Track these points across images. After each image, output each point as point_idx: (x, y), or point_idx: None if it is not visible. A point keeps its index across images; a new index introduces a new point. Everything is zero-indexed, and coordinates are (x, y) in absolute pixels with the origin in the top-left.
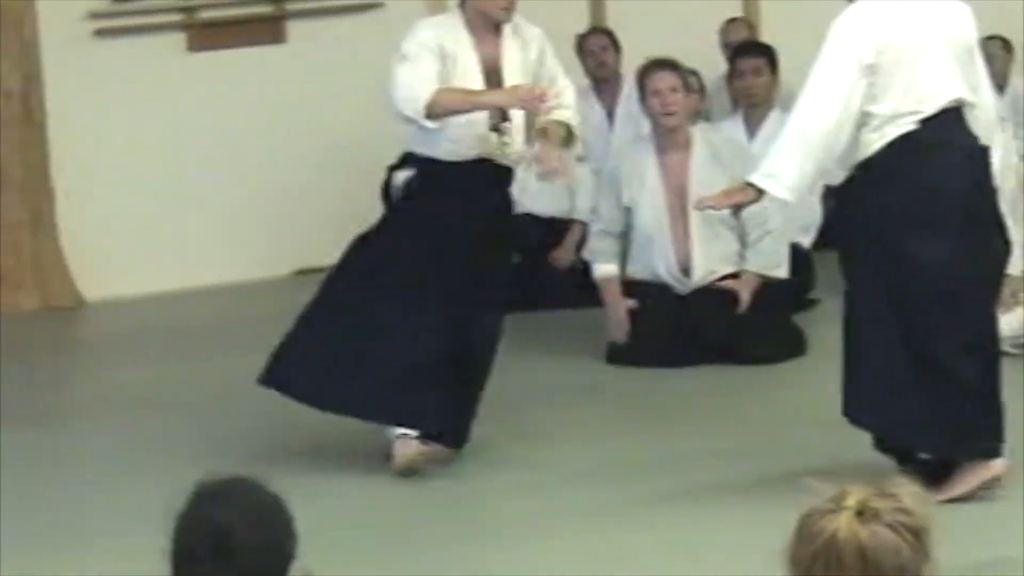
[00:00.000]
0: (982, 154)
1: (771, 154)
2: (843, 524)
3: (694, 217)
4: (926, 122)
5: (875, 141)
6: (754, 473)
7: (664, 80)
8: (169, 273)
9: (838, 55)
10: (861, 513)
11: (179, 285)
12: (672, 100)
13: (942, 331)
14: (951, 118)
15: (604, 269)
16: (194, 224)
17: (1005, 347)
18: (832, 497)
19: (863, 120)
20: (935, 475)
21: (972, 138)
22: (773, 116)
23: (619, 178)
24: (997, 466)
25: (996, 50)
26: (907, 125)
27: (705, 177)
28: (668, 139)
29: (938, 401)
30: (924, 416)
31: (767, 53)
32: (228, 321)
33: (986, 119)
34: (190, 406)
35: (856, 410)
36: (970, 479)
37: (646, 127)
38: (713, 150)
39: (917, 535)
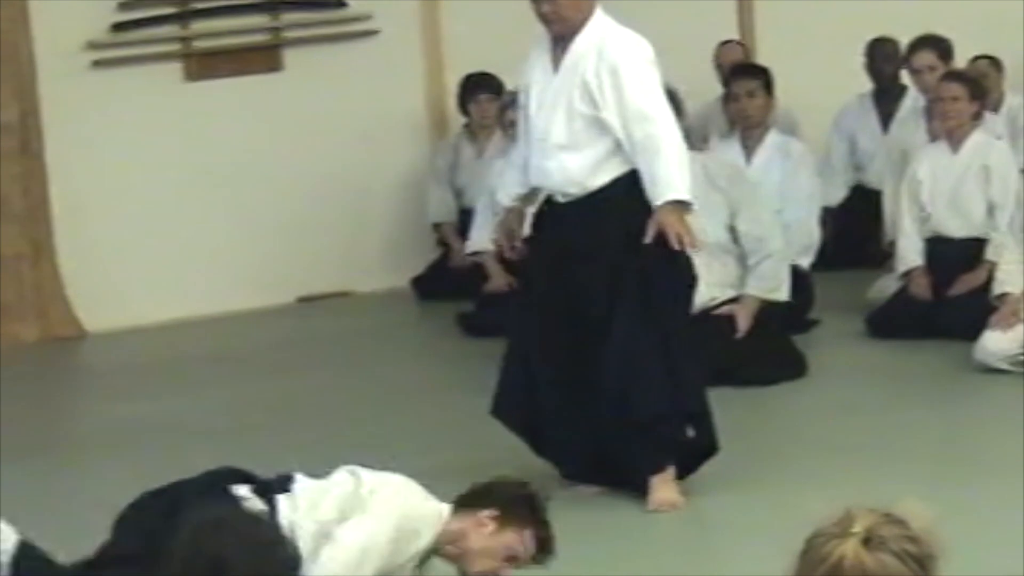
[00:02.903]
0: None
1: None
2: (849, 551)
3: None
4: None
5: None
6: (756, 494)
7: None
8: (171, 302)
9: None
10: (868, 540)
11: (181, 314)
12: None
13: None
14: None
15: None
16: (195, 253)
17: (1004, 364)
18: (838, 521)
19: None
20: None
21: None
22: (770, 138)
23: None
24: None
25: (985, 69)
26: None
27: (703, 205)
28: None
29: None
30: None
31: (762, 75)
32: (232, 350)
33: None
34: (198, 436)
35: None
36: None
37: None
38: (709, 177)
39: (923, 564)
